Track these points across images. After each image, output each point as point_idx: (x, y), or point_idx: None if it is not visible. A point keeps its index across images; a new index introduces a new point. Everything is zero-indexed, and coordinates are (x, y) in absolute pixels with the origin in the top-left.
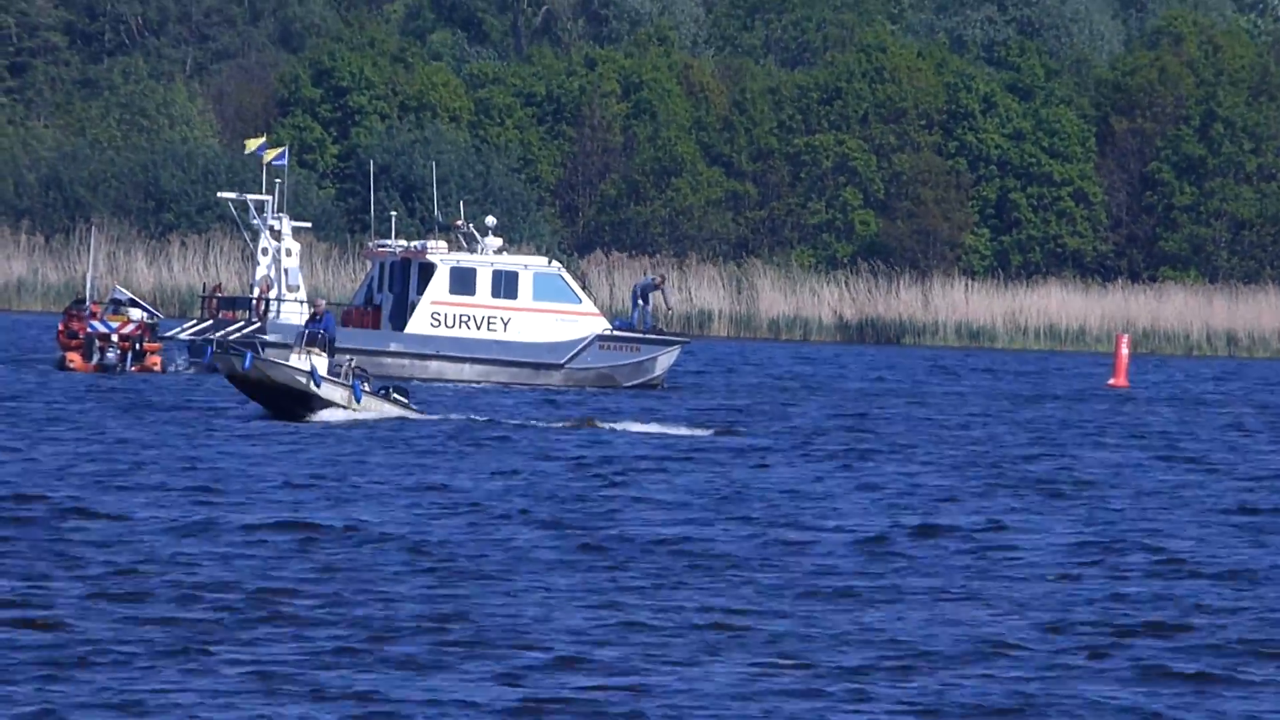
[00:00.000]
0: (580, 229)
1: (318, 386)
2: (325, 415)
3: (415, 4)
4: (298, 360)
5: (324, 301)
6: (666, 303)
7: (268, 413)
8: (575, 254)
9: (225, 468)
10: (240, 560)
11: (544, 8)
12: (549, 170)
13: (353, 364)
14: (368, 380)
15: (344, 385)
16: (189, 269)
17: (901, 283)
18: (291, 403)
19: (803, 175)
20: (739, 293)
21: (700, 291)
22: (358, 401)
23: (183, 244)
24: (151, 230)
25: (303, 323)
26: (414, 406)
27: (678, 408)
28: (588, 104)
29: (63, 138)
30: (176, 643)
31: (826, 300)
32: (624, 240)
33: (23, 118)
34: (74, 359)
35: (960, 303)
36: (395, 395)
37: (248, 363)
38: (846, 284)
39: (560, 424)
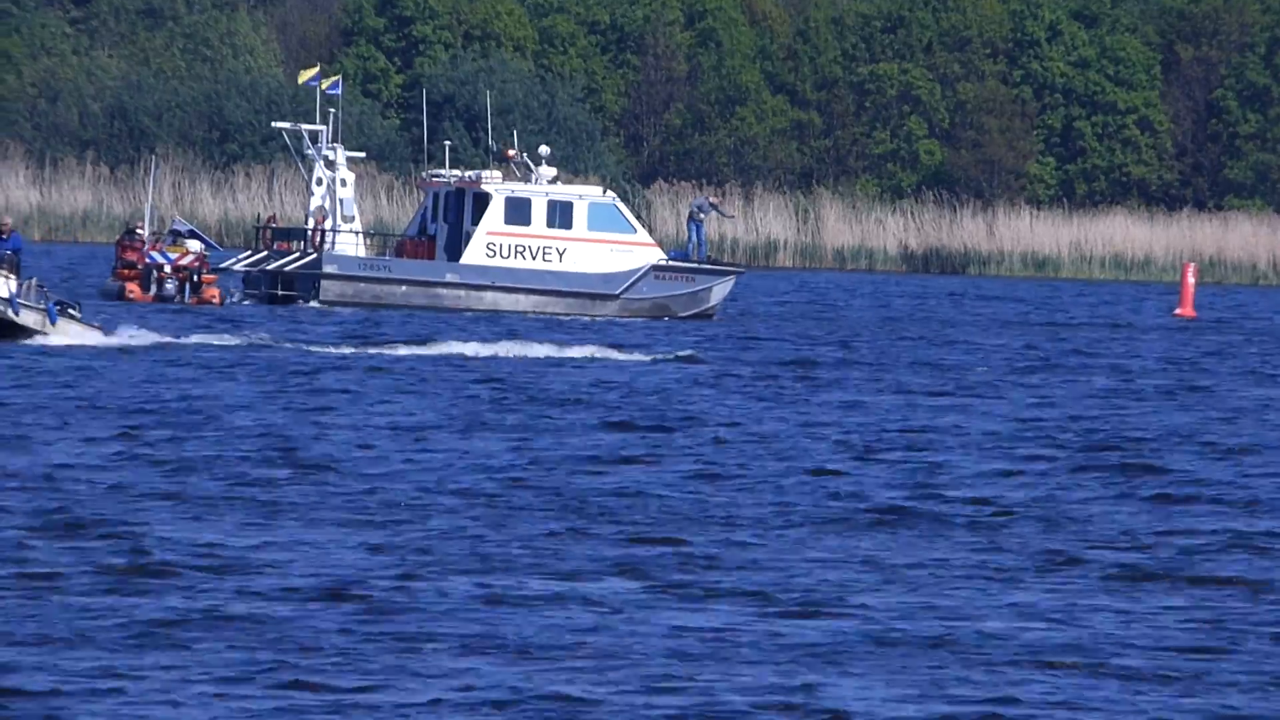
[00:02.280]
0: (645, 159)
1: (16, 314)
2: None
3: None
4: None
5: (10, 219)
6: (720, 211)
7: None
8: (640, 183)
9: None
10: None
11: None
12: (613, 100)
13: (35, 282)
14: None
15: (39, 308)
16: (253, 199)
17: (966, 212)
18: None
19: (867, 104)
20: (804, 223)
21: (765, 221)
22: (52, 324)
23: (247, 175)
24: (216, 161)
25: None
26: (96, 324)
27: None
28: (651, 33)
29: (127, 68)
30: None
31: (891, 230)
32: (689, 170)
33: (87, 48)
34: (133, 289)
35: (1025, 232)
36: (71, 313)
37: None
38: (911, 213)
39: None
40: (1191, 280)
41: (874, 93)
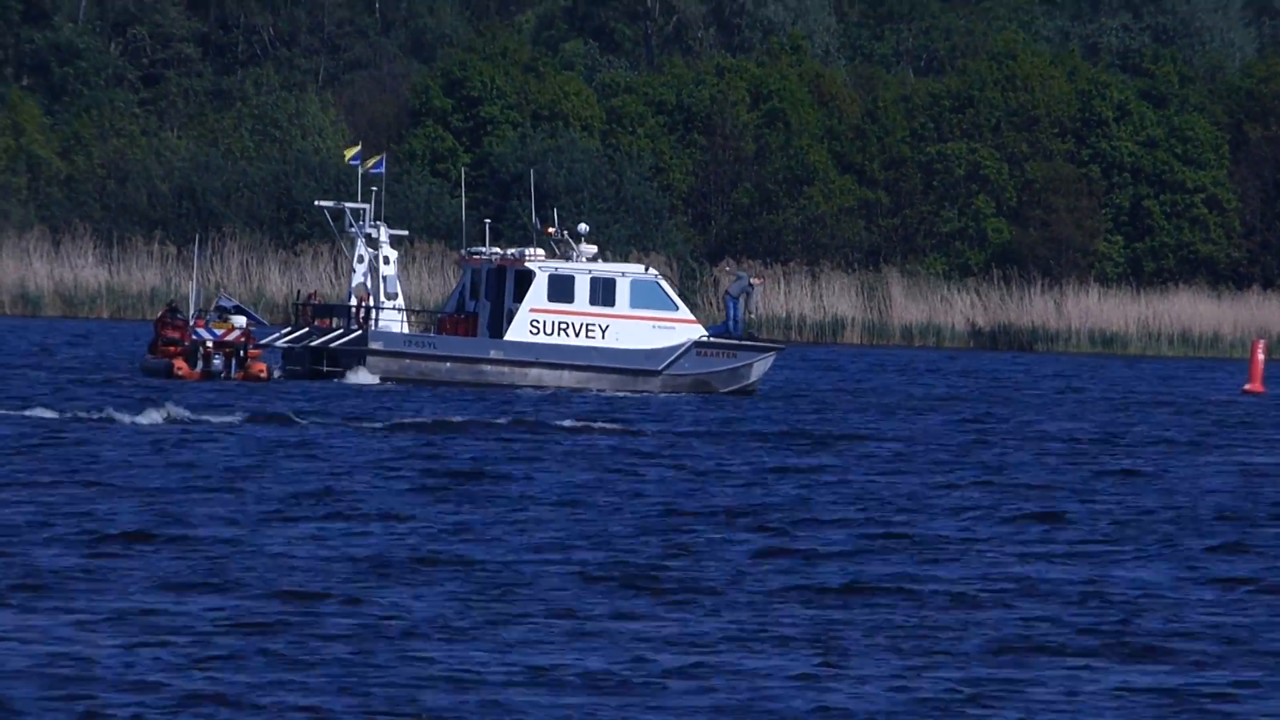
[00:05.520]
0: (713, 237)
1: None
2: None
3: (547, 14)
4: None
5: None
6: (748, 305)
7: None
8: (708, 262)
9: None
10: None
11: (675, 17)
12: (681, 179)
13: None
14: None
15: None
16: (321, 278)
17: (1034, 290)
18: None
19: (935, 183)
20: (871, 300)
21: (832, 299)
22: None
23: (315, 254)
24: (284, 240)
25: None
26: None
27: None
28: (719, 112)
29: (195, 148)
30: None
31: (959, 307)
32: (756, 248)
33: (156, 128)
34: (181, 366)
35: (1093, 309)
36: None
37: None
38: (979, 291)
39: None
40: (1261, 357)
41: (942, 171)
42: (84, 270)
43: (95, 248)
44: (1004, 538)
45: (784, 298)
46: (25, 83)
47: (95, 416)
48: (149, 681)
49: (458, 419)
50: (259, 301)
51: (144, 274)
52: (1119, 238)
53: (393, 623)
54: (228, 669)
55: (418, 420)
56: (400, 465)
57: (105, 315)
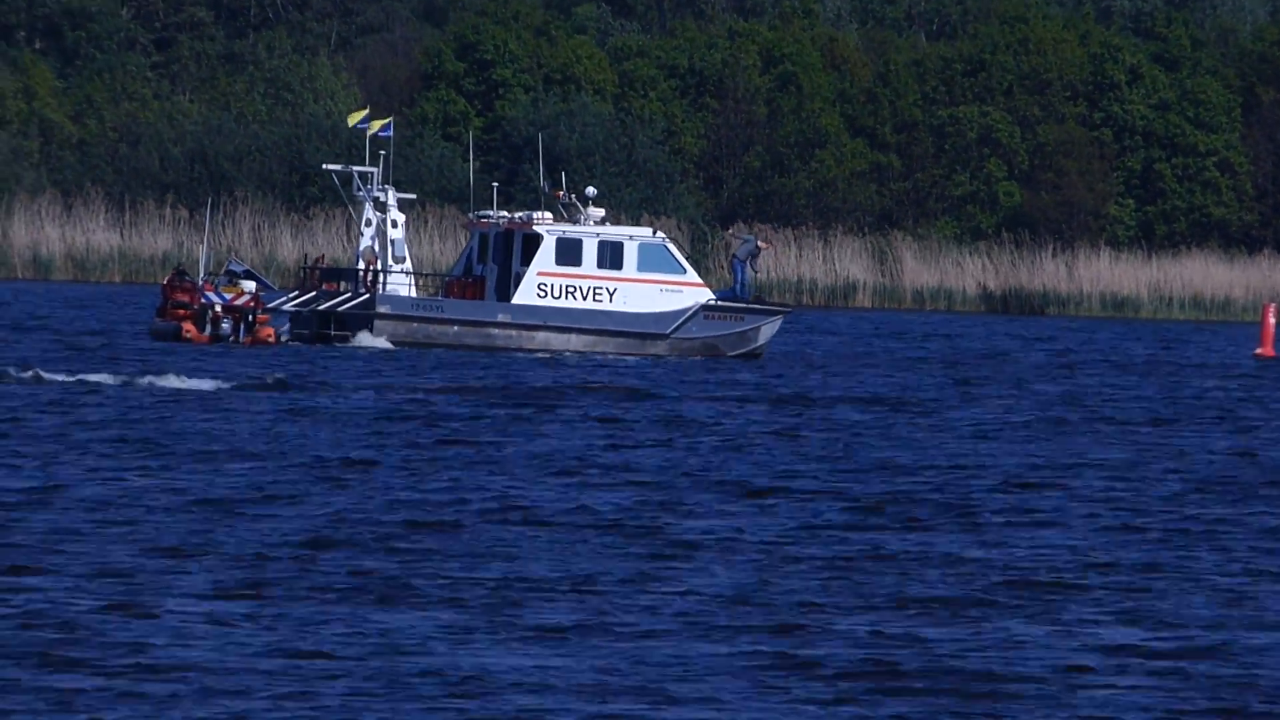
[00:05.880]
0: (724, 201)
1: None
2: None
3: None
4: None
5: None
6: (754, 267)
7: None
8: (719, 225)
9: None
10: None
11: None
12: (693, 142)
13: None
14: None
15: None
16: (333, 242)
17: (1045, 253)
18: None
19: (947, 147)
20: (882, 264)
21: (844, 263)
22: None
23: (327, 217)
24: (296, 204)
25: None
26: None
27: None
28: (731, 76)
29: (208, 112)
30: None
31: (970, 271)
32: (768, 212)
33: (168, 93)
34: (190, 329)
35: (1105, 273)
36: None
37: None
38: (990, 255)
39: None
40: (1272, 320)
41: (953, 135)
42: (96, 234)
43: (107, 212)
44: (996, 503)
45: (795, 262)
46: (37, 46)
47: (113, 381)
48: (138, 647)
49: (459, 384)
50: (270, 266)
51: (156, 238)
52: (1130, 201)
53: (387, 590)
54: (219, 636)
55: (423, 384)
56: (399, 429)
57: (117, 279)
